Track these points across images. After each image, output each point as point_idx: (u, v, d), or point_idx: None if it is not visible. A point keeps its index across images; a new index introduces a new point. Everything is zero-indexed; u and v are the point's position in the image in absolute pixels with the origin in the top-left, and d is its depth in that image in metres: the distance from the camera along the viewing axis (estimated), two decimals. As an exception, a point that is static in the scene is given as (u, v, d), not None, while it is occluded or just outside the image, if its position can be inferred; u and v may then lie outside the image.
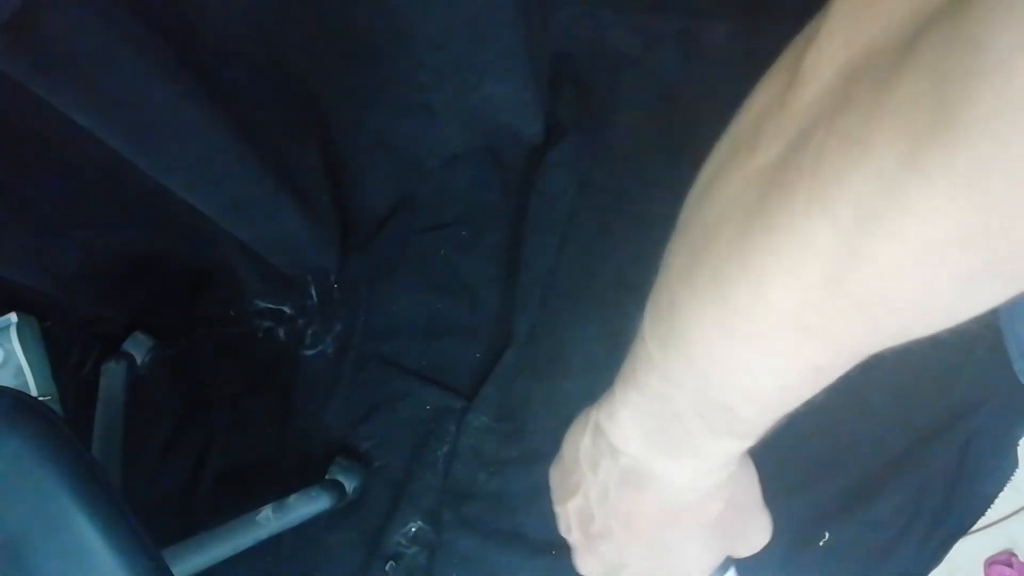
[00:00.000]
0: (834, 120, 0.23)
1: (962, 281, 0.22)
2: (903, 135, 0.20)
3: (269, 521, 1.12)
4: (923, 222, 0.21)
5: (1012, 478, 1.12)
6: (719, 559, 0.45)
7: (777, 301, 0.26)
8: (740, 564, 0.50)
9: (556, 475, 0.48)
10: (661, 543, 0.43)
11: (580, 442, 0.43)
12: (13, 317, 1.29)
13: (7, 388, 0.78)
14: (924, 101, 0.20)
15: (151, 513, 1.22)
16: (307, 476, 1.21)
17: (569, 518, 0.46)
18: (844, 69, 0.24)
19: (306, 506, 1.14)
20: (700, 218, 0.30)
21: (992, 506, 1.12)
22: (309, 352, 1.35)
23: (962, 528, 1.11)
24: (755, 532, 0.46)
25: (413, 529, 1.20)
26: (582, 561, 0.47)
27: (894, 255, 0.22)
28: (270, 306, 1.39)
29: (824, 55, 0.25)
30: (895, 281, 0.23)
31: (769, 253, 0.26)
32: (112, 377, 1.28)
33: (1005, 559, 1.12)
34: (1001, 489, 1.12)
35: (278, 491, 1.15)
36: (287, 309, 1.38)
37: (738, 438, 0.36)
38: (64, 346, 1.37)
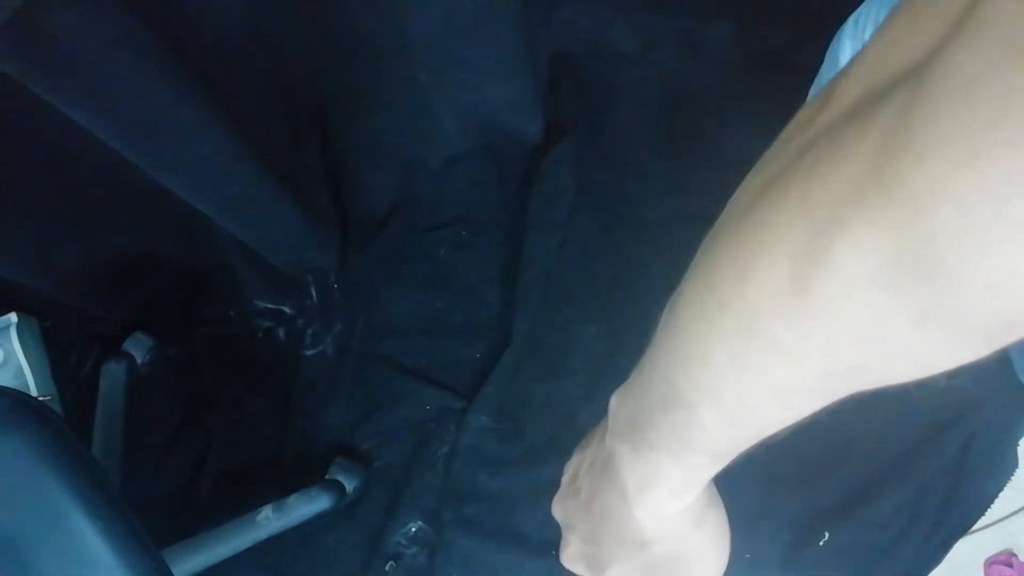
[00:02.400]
0: (831, 131, 0.25)
1: (917, 318, 0.23)
2: (878, 148, 0.22)
3: (269, 521, 1.12)
4: (879, 237, 0.22)
5: (1012, 478, 1.12)
6: None
7: (753, 298, 0.27)
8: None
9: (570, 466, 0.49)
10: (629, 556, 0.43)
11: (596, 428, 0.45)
12: (13, 317, 1.29)
13: (7, 388, 0.78)
14: (889, 130, 0.21)
15: (151, 513, 1.22)
16: (307, 476, 1.20)
17: (565, 498, 0.48)
18: (860, 96, 0.25)
19: (306, 506, 1.13)
20: (720, 220, 0.31)
21: (992, 506, 1.11)
22: (309, 352, 1.35)
23: (962, 528, 1.11)
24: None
25: (413, 529, 1.20)
26: (565, 552, 0.48)
27: (852, 268, 0.23)
28: (270, 306, 1.39)
29: (850, 82, 0.26)
30: (853, 299, 0.23)
31: (755, 247, 0.27)
32: (112, 377, 1.28)
33: (1005, 559, 1.12)
34: (1001, 489, 1.11)
35: (278, 491, 1.14)
36: (287, 309, 1.38)
37: (700, 453, 0.36)
38: (64, 346, 1.37)
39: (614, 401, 0.41)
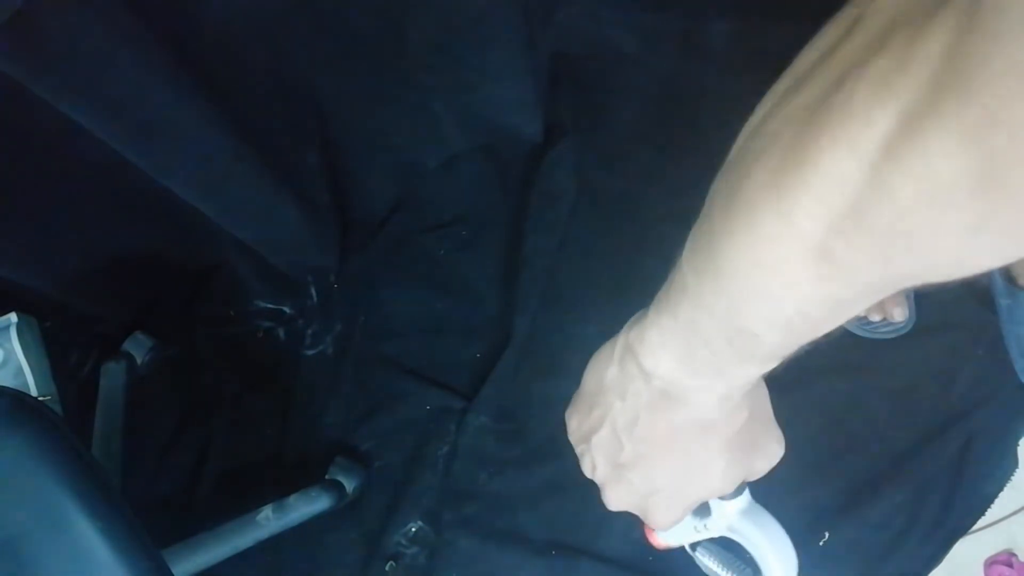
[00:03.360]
0: (866, 65, 0.26)
1: (968, 229, 0.24)
2: (926, 82, 0.23)
3: (269, 521, 1.11)
4: (937, 164, 0.23)
5: (1012, 478, 1.11)
6: (742, 474, 0.48)
7: (804, 229, 0.28)
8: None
9: (576, 415, 0.50)
10: (690, 461, 0.45)
11: (606, 372, 0.46)
12: (13, 317, 1.29)
13: (7, 388, 0.78)
14: (947, 54, 0.22)
15: (151, 513, 1.22)
16: (307, 476, 1.20)
17: (594, 454, 0.49)
18: (888, 22, 0.26)
19: (306, 506, 1.13)
20: (742, 156, 0.33)
21: (992, 506, 1.11)
22: (309, 352, 1.35)
23: (962, 528, 1.11)
24: (772, 444, 0.49)
25: (413, 529, 1.20)
26: (613, 495, 0.49)
27: (910, 192, 0.24)
28: (270, 306, 1.39)
29: (879, 8, 0.27)
30: (910, 217, 0.25)
31: (800, 185, 0.28)
32: (112, 377, 1.28)
33: (1005, 559, 1.11)
34: (1001, 489, 1.11)
35: (278, 491, 1.14)
36: (287, 309, 1.38)
37: (761, 362, 0.38)
38: (64, 346, 1.37)
39: (644, 350, 0.42)
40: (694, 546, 0.58)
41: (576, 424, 0.50)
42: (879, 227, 0.26)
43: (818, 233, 0.28)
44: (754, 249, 0.31)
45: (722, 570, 0.57)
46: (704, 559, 0.58)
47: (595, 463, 0.49)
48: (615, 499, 0.49)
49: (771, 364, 0.39)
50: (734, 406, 0.43)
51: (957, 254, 0.26)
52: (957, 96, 0.22)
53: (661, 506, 0.48)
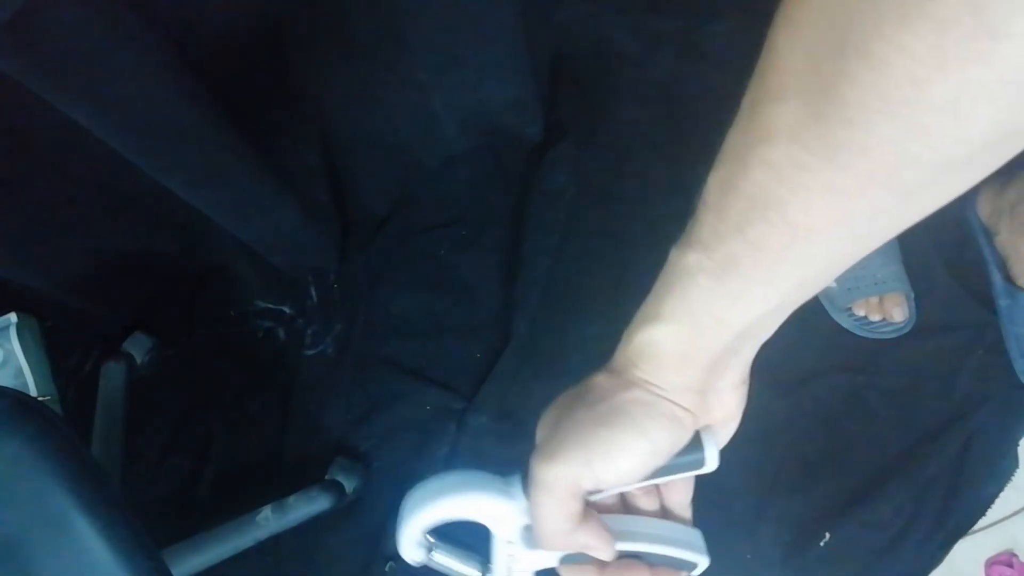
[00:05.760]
0: None
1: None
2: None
3: (268, 521, 1.11)
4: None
5: (1012, 478, 1.11)
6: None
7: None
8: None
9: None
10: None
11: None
12: (13, 317, 1.29)
13: (7, 388, 0.78)
14: None
15: (151, 513, 1.22)
16: (307, 476, 1.20)
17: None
18: None
19: (306, 506, 1.13)
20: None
21: (992, 506, 1.11)
22: (309, 352, 1.35)
23: (963, 528, 1.11)
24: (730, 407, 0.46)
25: (413, 529, 1.20)
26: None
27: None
28: (270, 306, 1.39)
29: None
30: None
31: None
32: (112, 377, 1.28)
33: (1006, 559, 1.11)
34: (1001, 489, 1.11)
35: (278, 491, 1.14)
36: (287, 309, 1.38)
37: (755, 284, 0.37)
38: (64, 346, 1.37)
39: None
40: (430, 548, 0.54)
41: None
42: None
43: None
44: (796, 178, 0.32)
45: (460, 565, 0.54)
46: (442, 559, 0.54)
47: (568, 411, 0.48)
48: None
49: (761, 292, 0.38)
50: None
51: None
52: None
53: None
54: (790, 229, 0.33)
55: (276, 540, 1.13)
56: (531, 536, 0.48)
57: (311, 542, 1.20)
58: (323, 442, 1.28)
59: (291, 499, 1.13)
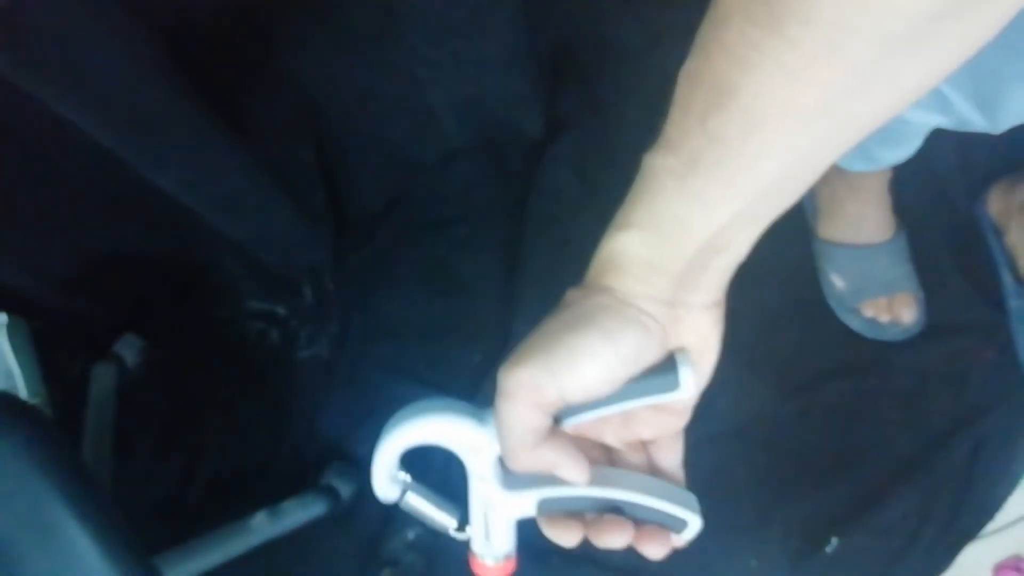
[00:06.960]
0: None
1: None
2: None
3: (262, 527, 1.11)
4: None
5: (1022, 482, 1.12)
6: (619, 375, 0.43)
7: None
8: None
9: None
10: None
11: None
12: (3, 318, 1.28)
13: (-4, 391, 0.78)
14: None
15: (142, 518, 1.20)
16: (301, 481, 1.20)
17: None
18: None
19: (300, 512, 1.13)
20: None
21: (1001, 510, 1.12)
22: (303, 354, 1.34)
23: (971, 533, 1.12)
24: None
25: (412, 535, 1.19)
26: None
27: None
28: (263, 307, 1.38)
29: None
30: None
31: None
32: (102, 379, 1.27)
33: (1014, 564, 1.12)
34: (1010, 493, 1.12)
35: (272, 497, 1.13)
36: (280, 310, 1.37)
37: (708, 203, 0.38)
38: (54, 348, 1.36)
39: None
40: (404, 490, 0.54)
41: None
42: None
43: None
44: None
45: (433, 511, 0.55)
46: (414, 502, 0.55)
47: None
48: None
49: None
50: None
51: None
52: None
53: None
54: (744, 116, 0.34)
55: (270, 547, 1.12)
56: (505, 475, 0.48)
57: (306, 548, 1.20)
58: (318, 446, 1.27)
59: (285, 504, 1.13)
